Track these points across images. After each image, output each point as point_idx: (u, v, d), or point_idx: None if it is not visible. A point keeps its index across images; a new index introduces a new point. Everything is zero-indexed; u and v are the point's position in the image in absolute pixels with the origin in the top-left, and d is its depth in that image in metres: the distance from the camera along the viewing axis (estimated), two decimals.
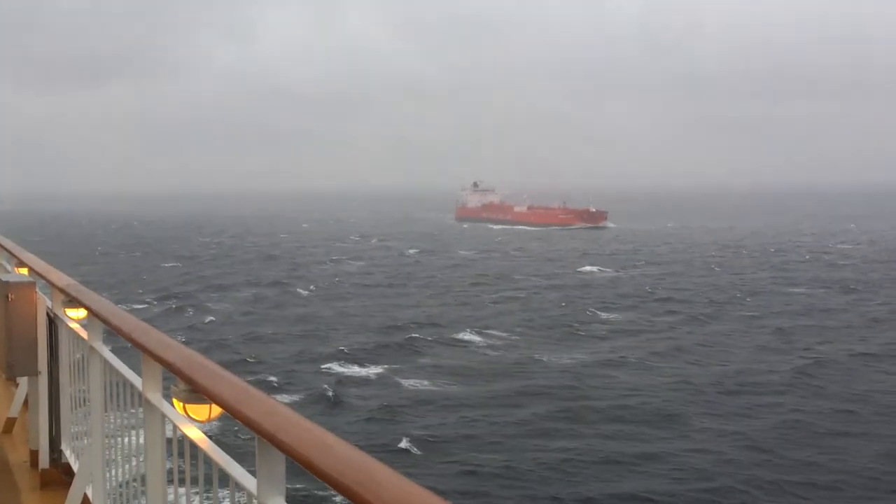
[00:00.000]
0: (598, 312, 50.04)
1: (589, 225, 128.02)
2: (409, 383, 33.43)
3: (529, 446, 25.63)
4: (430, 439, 26.29)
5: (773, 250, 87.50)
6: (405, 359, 37.61)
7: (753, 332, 43.28)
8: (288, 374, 34.81)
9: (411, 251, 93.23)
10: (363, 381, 33.89)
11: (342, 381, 33.58)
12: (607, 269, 72.92)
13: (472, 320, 47.08)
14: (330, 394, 31.42)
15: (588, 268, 74.04)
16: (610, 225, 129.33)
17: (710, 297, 55.23)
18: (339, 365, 36.15)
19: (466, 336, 42.45)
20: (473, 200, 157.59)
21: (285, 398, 30.07)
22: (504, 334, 43.21)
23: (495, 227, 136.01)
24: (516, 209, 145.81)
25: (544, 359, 37.35)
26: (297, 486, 19.22)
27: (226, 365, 3.37)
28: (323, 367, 35.89)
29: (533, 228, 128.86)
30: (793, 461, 24.56)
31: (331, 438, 2.35)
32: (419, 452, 25.19)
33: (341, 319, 48.40)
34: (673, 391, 31.70)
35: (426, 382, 33.54)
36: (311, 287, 62.73)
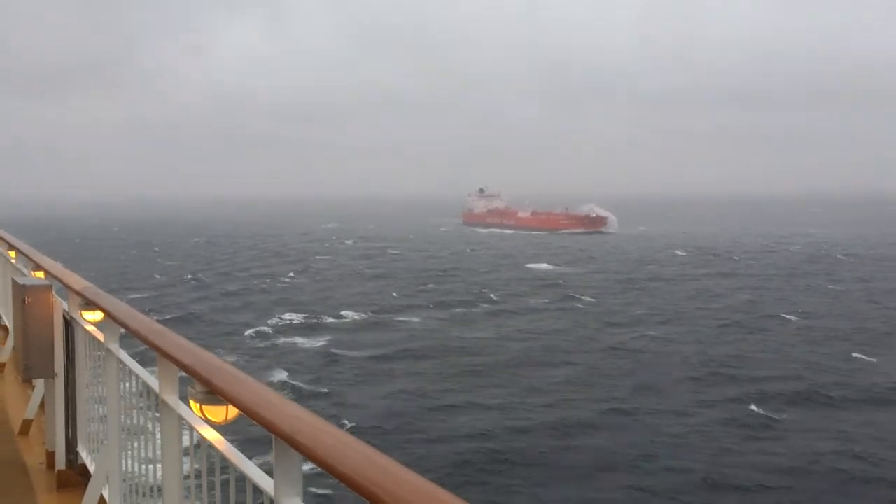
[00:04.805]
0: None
1: (590, 230, 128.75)
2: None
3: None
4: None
5: (681, 253, 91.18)
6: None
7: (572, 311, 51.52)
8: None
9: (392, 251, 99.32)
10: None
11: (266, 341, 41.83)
12: (559, 266, 79.26)
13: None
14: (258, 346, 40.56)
15: (538, 265, 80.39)
16: (610, 230, 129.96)
17: (587, 287, 62.32)
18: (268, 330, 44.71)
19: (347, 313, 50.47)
20: (479, 206, 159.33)
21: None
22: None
23: (503, 231, 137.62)
24: (520, 214, 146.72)
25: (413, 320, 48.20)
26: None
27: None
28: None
29: (533, 232, 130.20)
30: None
31: (348, 439, 2.35)
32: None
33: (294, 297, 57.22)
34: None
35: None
36: (291, 275, 71.69)
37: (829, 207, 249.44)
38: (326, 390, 31.77)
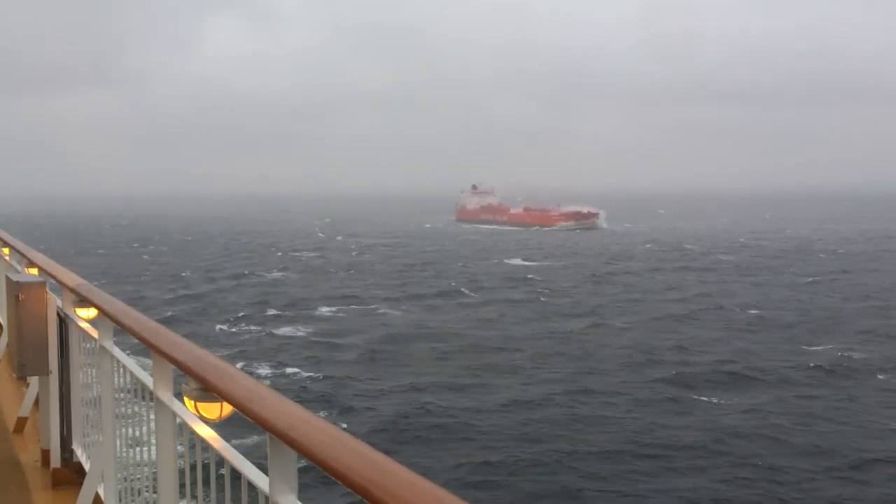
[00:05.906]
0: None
1: (581, 225, 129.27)
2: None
3: None
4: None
5: (657, 249, 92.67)
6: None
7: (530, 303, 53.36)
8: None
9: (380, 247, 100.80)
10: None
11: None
12: (534, 261, 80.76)
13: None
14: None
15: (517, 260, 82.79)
16: (602, 225, 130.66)
17: (556, 281, 63.88)
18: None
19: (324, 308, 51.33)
20: (472, 202, 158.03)
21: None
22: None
23: (494, 227, 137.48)
24: (512, 210, 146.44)
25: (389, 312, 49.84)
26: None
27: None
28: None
29: (523, 228, 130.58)
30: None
31: (343, 435, 2.37)
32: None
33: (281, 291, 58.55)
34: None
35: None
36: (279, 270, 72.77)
37: (823, 203, 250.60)
38: (309, 377, 33.00)
